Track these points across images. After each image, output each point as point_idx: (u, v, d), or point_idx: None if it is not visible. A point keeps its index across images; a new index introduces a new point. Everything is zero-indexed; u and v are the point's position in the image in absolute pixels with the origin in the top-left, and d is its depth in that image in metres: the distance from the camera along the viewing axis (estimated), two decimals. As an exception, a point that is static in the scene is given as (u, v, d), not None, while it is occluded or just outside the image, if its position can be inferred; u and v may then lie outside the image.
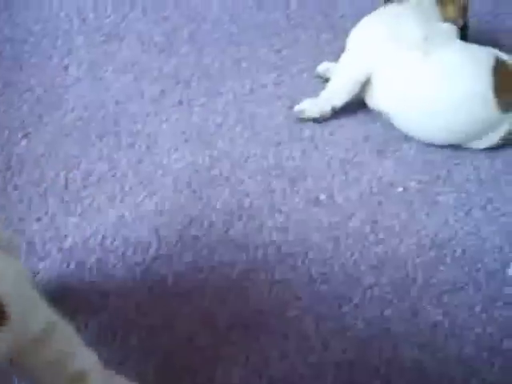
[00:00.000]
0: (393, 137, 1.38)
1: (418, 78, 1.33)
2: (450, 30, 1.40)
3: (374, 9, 1.63)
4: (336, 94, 1.38)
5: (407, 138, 1.38)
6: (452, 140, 1.36)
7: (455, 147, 1.37)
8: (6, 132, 1.34)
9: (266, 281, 1.14)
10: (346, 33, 1.58)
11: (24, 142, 1.32)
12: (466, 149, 1.37)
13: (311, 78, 1.48)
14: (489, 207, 1.28)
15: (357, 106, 1.42)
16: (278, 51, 1.54)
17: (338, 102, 1.38)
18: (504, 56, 1.37)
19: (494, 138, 1.35)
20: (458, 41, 1.39)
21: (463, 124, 1.33)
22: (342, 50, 1.53)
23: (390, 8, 1.43)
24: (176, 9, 1.63)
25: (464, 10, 1.45)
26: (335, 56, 1.53)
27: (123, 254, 1.16)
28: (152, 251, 1.17)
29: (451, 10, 1.43)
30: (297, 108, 1.39)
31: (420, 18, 1.39)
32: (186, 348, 1.03)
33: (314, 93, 1.43)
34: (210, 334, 1.05)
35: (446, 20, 1.42)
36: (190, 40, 1.56)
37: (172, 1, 1.65)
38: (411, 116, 1.36)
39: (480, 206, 1.28)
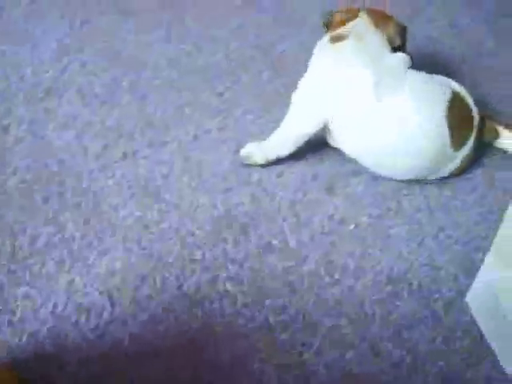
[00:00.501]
0: (340, 173, 1.38)
1: (374, 124, 1.31)
2: (401, 62, 1.37)
3: (314, 42, 1.65)
4: (283, 144, 1.37)
5: (355, 173, 1.38)
6: (410, 176, 1.36)
7: (404, 179, 1.38)
8: None
9: (225, 334, 1.12)
10: (286, 69, 1.59)
11: (-34, 212, 1.29)
12: (415, 179, 1.38)
13: (256, 119, 1.48)
14: (441, 236, 1.29)
15: (306, 143, 1.41)
16: (221, 94, 1.53)
17: (284, 152, 1.37)
18: (457, 87, 1.38)
19: (446, 172, 1.37)
20: (411, 75, 1.35)
21: (421, 163, 1.33)
22: (284, 87, 1.54)
23: (333, 52, 1.39)
24: (115, 59, 1.61)
25: (402, 29, 1.45)
26: (277, 94, 1.54)
27: (76, 321, 1.13)
28: (106, 315, 1.14)
29: (390, 30, 1.42)
30: (242, 153, 1.38)
31: (366, 60, 1.34)
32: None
33: (259, 135, 1.43)
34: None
35: (387, 39, 1.40)
36: (131, 89, 1.54)
37: (111, 51, 1.64)
38: (372, 159, 1.36)
39: (432, 236, 1.29)
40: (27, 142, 1.43)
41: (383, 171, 1.37)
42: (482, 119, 1.39)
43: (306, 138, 1.36)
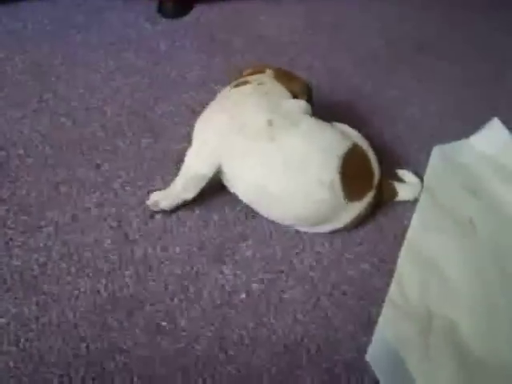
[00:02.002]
0: (227, 239, 1.34)
1: (265, 165, 1.29)
2: (298, 107, 1.36)
3: (194, 100, 1.62)
4: (185, 188, 1.33)
5: (242, 237, 1.34)
6: (301, 224, 1.34)
7: (294, 236, 1.35)
8: None
9: None
10: (166, 134, 1.54)
11: None
12: (304, 233, 1.35)
13: (136, 190, 1.42)
14: (335, 293, 1.26)
15: (189, 209, 1.37)
16: (98, 166, 1.46)
17: (188, 196, 1.34)
18: (360, 141, 1.37)
19: (340, 223, 1.34)
20: (309, 120, 1.34)
21: (311, 210, 1.30)
22: (164, 153, 1.50)
23: (232, 93, 1.40)
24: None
25: (305, 86, 1.45)
26: (157, 161, 1.48)
27: None
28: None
29: (294, 86, 1.42)
30: (149, 202, 1.35)
31: (263, 101, 1.34)
32: None
33: (141, 205, 1.37)
34: None
35: (291, 95, 1.40)
36: (1, 171, 1.45)
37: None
38: (264, 202, 1.33)
39: (327, 294, 1.26)
40: None
41: (274, 216, 1.33)
42: (381, 179, 1.38)
43: (206, 180, 1.33)
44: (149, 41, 1.88)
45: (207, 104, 1.43)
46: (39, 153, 1.50)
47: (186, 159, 1.34)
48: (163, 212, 1.36)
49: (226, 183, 1.36)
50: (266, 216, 1.35)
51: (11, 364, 1.12)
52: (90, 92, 1.67)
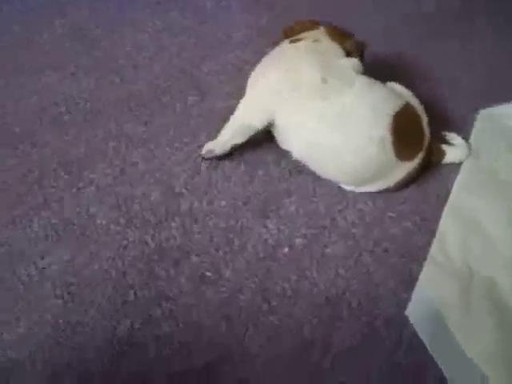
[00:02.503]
0: (272, 194, 1.36)
1: (317, 122, 1.30)
2: (352, 65, 1.37)
3: (240, 61, 1.64)
4: (233, 136, 1.37)
5: (287, 193, 1.36)
6: (348, 182, 1.35)
7: (336, 193, 1.36)
8: None
9: (162, 374, 1.08)
10: (212, 92, 1.56)
11: None
12: (348, 192, 1.37)
13: (183, 146, 1.45)
14: (377, 250, 1.28)
15: (235, 166, 1.39)
16: (145, 123, 1.50)
17: (236, 141, 1.38)
18: (413, 101, 1.37)
19: (389, 182, 1.35)
20: (362, 78, 1.35)
21: (361, 167, 1.32)
22: (210, 111, 1.52)
23: (287, 49, 1.41)
24: (36, 93, 1.57)
25: (359, 44, 1.45)
26: (204, 118, 1.51)
27: None
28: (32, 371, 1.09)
29: (347, 44, 1.42)
30: (204, 151, 1.40)
31: (317, 57, 1.36)
32: None
33: (188, 162, 1.40)
34: None
35: (345, 53, 1.40)
36: (53, 127, 1.49)
37: (30, 87, 1.59)
38: (313, 158, 1.35)
39: (368, 251, 1.28)
40: None
41: (325, 172, 1.35)
42: (431, 141, 1.38)
43: (254, 131, 1.35)
44: (195, 0, 1.89)
45: (253, 63, 1.44)
46: (89, 109, 1.54)
47: (237, 108, 1.37)
48: (209, 167, 1.39)
49: (277, 138, 1.37)
50: (316, 172, 1.36)
51: (62, 310, 1.17)
52: (138, 50, 1.70)
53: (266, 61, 1.41)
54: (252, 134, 1.35)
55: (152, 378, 1.09)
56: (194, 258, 1.24)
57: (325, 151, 1.31)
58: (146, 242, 1.26)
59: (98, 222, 1.30)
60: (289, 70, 1.35)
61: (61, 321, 1.15)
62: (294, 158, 1.37)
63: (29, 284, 1.20)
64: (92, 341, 1.13)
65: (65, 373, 1.09)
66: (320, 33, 1.45)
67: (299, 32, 1.46)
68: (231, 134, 1.36)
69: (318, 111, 1.31)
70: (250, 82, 1.39)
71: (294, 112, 1.32)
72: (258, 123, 1.34)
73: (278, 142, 1.38)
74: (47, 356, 1.11)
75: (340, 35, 1.45)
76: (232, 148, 1.39)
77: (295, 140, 1.34)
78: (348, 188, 1.37)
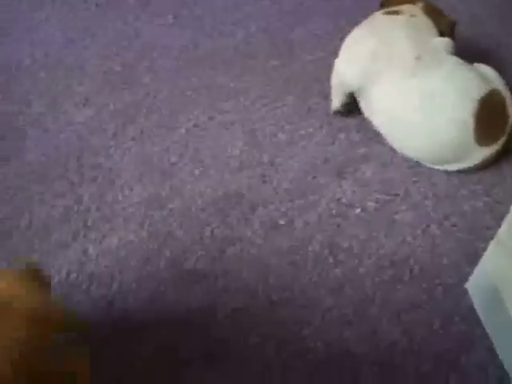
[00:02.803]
0: (351, 158, 1.41)
1: (404, 98, 1.34)
2: (445, 45, 1.40)
3: (326, 32, 1.68)
4: (334, 94, 1.45)
5: (365, 159, 1.41)
6: (426, 160, 1.39)
7: (413, 165, 1.40)
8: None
9: (228, 309, 1.16)
10: (299, 56, 1.62)
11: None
12: (424, 166, 1.40)
13: (268, 103, 1.51)
14: (446, 223, 1.31)
15: (318, 127, 1.45)
16: (236, 78, 1.57)
17: (336, 103, 1.45)
18: (500, 86, 1.39)
19: (468, 164, 1.37)
20: (453, 60, 1.38)
21: (440, 148, 1.35)
22: (296, 73, 1.57)
23: (384, 20, 1.45)
24: (136, 39, 1.66)
25: (453, 24, 1.48)
26: (291, 79, 1.56)
27: (87, 288, 1.18)
28: (115, 285, 1.19)
29: (442, 23, 1.45)
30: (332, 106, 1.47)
31: (414, 34, 1.39)
32: (144, 381, 1.05)
33: (270, 119, 1.47)
34: (173, 364, 1.08)
35: (438, 32, 1.43)
36: (148, 72, 1.58)
37: (132, 32, 1.68)
38: (393, 132, 1.39)
39: (437, 223, 1.31)
40: (49, 117, 1.48)
41: (403, 148, 1.39)
42: None
43: (349, 90, 1.41)
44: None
45: (343, 32, 1.48)
46: (184, 59, 1.62)
47: (333, 74, 1.44)
48: (292, 125, 1.45)
49: (361, 105, 1.42)
50: (393, 145, 1.41)
51: (143, 234, 1.26)
52: (227, 12, 1.76)
53: (361, 28, 1.45)
54: (348, 91, 1.41)
55: (216, 310, 1.16)
56: (269, 206, 1.31)
57: (405, 128, 1.35)
58: (225, 185, 1.34)
59: (184, 161, 1.38)
60: (384, 40, 1.38)
61: (140, 245, 1.24)
62: (374, 128, 1.42)
63: (115, 205, 1.30)
64: (166, 268, 1.21)
65: (140, 289, 1.18)
66: (417, 8, 1.47)
67: (396, 4, 1.49)
68: (333, 92, 1.44)
69: (406, 87, 1.34)
70: (345, 45, 1.43)
71: (382, 83, 1.36)
72: (352, 80, 1.39)
73: (362, 108, 1.43)
74: (124, 277, 1.20)
75: (436, 13, 1.48)
76: (343, 107, 1.45)
77: (378, 111, 1.38)
78: (427, 165, 1.40)
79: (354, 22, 1.48)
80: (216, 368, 1.08)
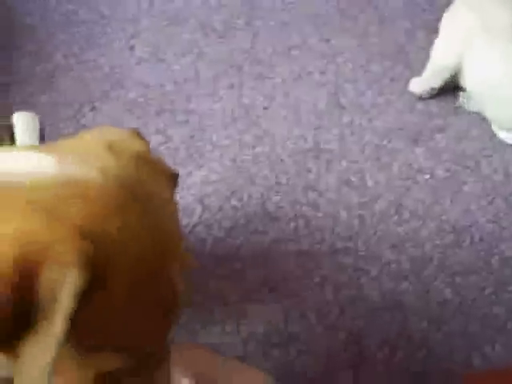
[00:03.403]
0: (427, 127, 1.47)
1: (503, 65, 1.38)
2: None
3: (429, 3, 1.73)
4: (432, 77, 1.48)
5: (441, 129, 1.47)
6: None
7: (487, 140, 1.45)
8: (76, 105, 1.50)
9: (294, 250, 1.27)
10: (393, 26, 1.68)
11: (90, 115, 1.48)
12: (498, 142, 1.45)
13: (356, 68, 1.58)
14: (511, 199, 1.37)
15: (399, 95, 1.52)
16: (327, 41, 1.65)
17: (434, 85, 1.49)
18: None
19: None
20: None
21: None
22: (388, 41, 1.64)
23: None
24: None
25: None
26: (380, 47, 1.63)
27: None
28: (195, 217, 1.31)
29: None
30: (410, 87, 1.51)
31: (509, 2, 1.43)
32: (216, 303, 1.17)
33: (357, 82, 1.54)
34: (240, 293, 1.20)
35: None
36: (246, 27, 1.68)
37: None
38: (487, 99, 1.42)
39: (503, 197, 1.37)
40: (149, 63, 1.61)
41: (493, 116, 1.42)
42: None
43: (449, 72, 1.46)
44: None
45: (439, 5, 1.53)
46: (279, 19, 1.71)
47: (433, 50, 1.48)
48: (375, 91, 1.52)
49: (462, 82, 1.47)
50: (483, 112, 1.45)
51: (226, 174, 1.38)
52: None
53: (458, 1, 1.50)
54: (447, 75, 1.46)
55: (285, 248, 1.27)
56: (343, 163, 1.40)
57: (503, 97, 1.39)
58: (306, 139, 1.44)
59: (269, 114, 1.49)
60: (481, 12, 1.42)
61: (222, 184, 1.36)
62: (461, 98, 1.46)
63: (203, 147, 1.42)
64: (245, 207, 1.33)
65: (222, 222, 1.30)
66: None
67: None
68: (431, 74, 1.48)
69: (505, 54, 1.38)
70: (443, 22, 1.48)
71: (483, 54, 1.40)
72: (451, 63, 1.44)
73: (459, 80, 1.47)
74: (205, 213, 1.32)
75: None
76: (432, 89, 1.49)
77: (474, 77, 1.43)
78: (505, 136, 1.44)
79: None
80: (277, 300, 1.19)
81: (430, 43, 1.53)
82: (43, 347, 0.46)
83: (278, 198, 1.34)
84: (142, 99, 1.52)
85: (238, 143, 1.44)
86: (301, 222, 1.30)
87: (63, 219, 0.48)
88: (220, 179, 1.37)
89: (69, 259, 0.47)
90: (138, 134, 0.61)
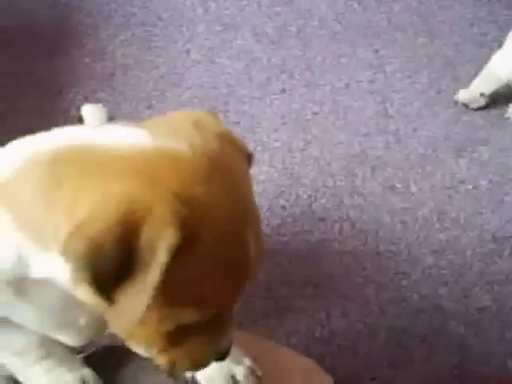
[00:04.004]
0: (471, 139, 1.51)
1: None
2: None
3: (475, 16, 1.77)
4: (482, 83, 1.53)
5: (485, 142, 1.51)
6: None
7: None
8: (134, 102, 1.58)
9: (339, 250, 1.32)
10: (442, 39, 1.72)
11: (147, 112, 1.55)
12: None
13: (404, 78, 1.63)
14: (553, 213, 1.40)
15: (445, 107, 1.56)
16: (376, 51, 1.70)
17: (483, 90, 1.53)
18: None
19: None
20: None
21: None
22: (436, 53, 1.68)
23: None
24: (287, 5, 1.82)
25: None
26: (428, 58, 1.68)
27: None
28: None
29: None
30: (456, 97, 1.56)
31: None
32: (263, 296, 1.23)
33: (404, 92, 1.59)
34: (285, 288, 1.25)
35: None
36: (298, 35, 1.74)
37: (286, -2, 1.84)
38: None
39: (545, 211, 1.40)
40: (203, 66, 1.68)
41: None
42: None
43: (499, 84, 1.51)
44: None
45: (496, 17, 1.57)
46: (330, 28, 1.77)
47: (493, 60, 1.51)
48: (422, 102, 1.57)
49: None
50: None
51: (275, 175, 1.44)
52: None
53: None
54: (497, 86, 1.51)
55: (329, 248, 1.32)
56: (389, 170, 1.45)
57: None
58: (353, 145, 1.49)
59: (318, 119, 1.54)
60: None
61: (271, 184, 1.42)
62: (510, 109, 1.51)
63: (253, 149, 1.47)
64: (293, 207, 1.38)
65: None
66: None
67: None
68: (481, 80, 1.52)
69: None
70: (510, 35, 1.52)
71: None
72: (505, 76, 1.49)
73: None
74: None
75: None
76: (482, 96, 1.53)
77: None
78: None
79: (508, 7, 1.57)
80: (322, 296, 1.24)
81: (478, 57, 1.58)
82: (139, 294, 0.53)
83: (325, 200, 1.40)
84: (196, 100, 1.59)
85: (287, 146, 1.49)
86: (346, 224, 1.35)
87: (161, 184, 0.54)
88: (269, 179, 1.43)
89: (167, 219, 0.53)
90: (216, 115, 0.68)
